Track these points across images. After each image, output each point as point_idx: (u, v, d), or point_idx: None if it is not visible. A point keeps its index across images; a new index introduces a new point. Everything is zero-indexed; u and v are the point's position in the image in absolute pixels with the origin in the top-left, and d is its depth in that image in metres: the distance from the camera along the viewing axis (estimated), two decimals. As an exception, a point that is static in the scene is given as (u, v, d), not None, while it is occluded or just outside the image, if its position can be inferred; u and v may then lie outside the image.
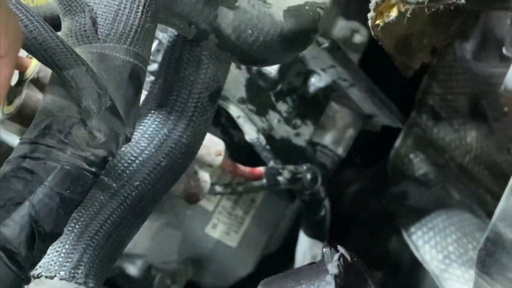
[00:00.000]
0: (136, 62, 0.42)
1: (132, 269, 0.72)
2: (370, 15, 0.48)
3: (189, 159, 0.52)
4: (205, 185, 0.62)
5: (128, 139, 0.42)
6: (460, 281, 0.74)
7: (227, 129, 0.71)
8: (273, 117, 0.73)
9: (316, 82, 0.73)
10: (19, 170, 0.39)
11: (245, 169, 0.67)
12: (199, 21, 0.46)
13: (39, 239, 0.38)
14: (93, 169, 0.40)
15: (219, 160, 0.63)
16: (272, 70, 0.71)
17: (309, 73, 0.73)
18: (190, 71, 0.50)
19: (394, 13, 0.46)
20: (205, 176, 0.63)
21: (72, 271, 0.47)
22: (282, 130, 0.74)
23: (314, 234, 0.77)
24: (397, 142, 0.83)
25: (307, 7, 0.49)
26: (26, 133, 0.41)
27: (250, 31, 0.47)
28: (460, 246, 0.76)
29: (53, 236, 0.39)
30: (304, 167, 0.71)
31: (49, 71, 0.40)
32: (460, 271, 0.74)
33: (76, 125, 0.39)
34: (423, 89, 0.81)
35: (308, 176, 0.70)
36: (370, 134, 0.82)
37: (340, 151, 0.77)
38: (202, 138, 0.52)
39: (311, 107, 0.75)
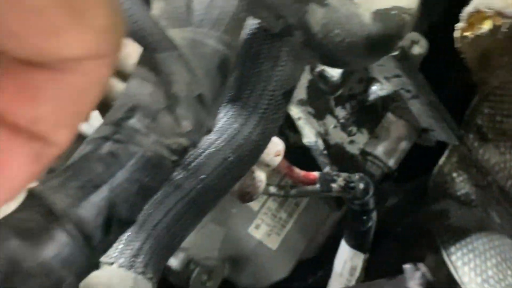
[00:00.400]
0: (226, 51, 0.40)
1: (173, 261, 0.71)
2: (459, 25, 0.46)
3: (256, 157, 0.51)
4: (261, 185, 0.61)
5: (209, 131, 0.41)
6: (498, 306, 0.72)
7: (284, 130, 0.70)
8: (330, 122, 0.71)
9: (378, 90, 0.71)
10: (100, 151, 0.38)
11: (300, 172, 0.65)
12: (288, 15, 0.44)
13: (115, 224, 0.37)
14: (174, 158, 0.39)
15: (277, 160, 0.62)
16: (335, 74, 0.69)
17: (371, 80, 0.71)
18: (267, 67, 0.49)
19: (487, 25, 0.44)
20: (261, 176, 0.62)
21: (132, 259, 0.46)
22: (337, 136, 0.72)
23: (357, 244, 0.76)
24: (442, 160, 0.82)
25: (394, 12, 0.47)
26: (108, 114, 0.40)
27: (337, 31, 0.45)
28: (500, 271, 0.74)
29: (128, 223, 0.38)
30: (357, 176, 0.69)
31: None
32: (498, 296, 0.73)
33: (163, 111, 0.38)
34: (473, 108, 0.79)
35: (361, 185, 0.69)
36: (421, 148, 0.80)
37: (391, 162, 0.76)
38: (271, 137, 0.51)
39: (368, 116, 0.74)
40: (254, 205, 0.74)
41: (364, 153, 0.74)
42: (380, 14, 0.47)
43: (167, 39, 0.37)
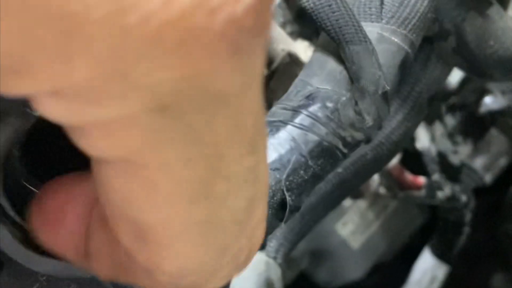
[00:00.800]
0: (409, 50, 0.40)
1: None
2: None
3: (392, 156, 0.50)
4: (373, 184, 0.61)
5: (380, 127, 0.40)
6: None
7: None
8: (438, 128, 0.71)
9: (490, 103, 0.70)
10: (278, 135, 0.37)
11: (408, 176, 0.65)
12: (445, 20, 0.44)
13: (286, 209, 0.37)
14: (345, 151, 0.39)
15: (394, 161, 0.61)
16: (452, 81, 0.68)
17: (485, 92, 0.70)
18: (416, 69, 0.48)
19: None
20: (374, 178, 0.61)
21: (266, 243, 0.46)
22: (442, 144, 0.71)
23: (443, 255, 0.75)
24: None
25: None
26: (285, 98, 0.39)
27: (491, 43, 0.45)
28: None
29: (295, 208, 0.38)
30: (460, 187, 0.69)
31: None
32: None
33: (345, 102, 0.37)
34: None
35: (463, 197, 0.68)
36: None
37: (487, 178, 0.75)
38: (409, 138, 0.50)
39: (475, 127, 0.73)
40: (346, 201, 0.74)
41: (462, 164, 0.73)
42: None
43: (362, 33, 0.36)
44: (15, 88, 0.14)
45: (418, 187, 0.64)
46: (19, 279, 0.24)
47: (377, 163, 0.49)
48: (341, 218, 0.75)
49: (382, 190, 0.63)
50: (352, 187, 0.49)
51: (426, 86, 0.48)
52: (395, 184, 0.63)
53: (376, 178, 0.60)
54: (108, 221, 0.18)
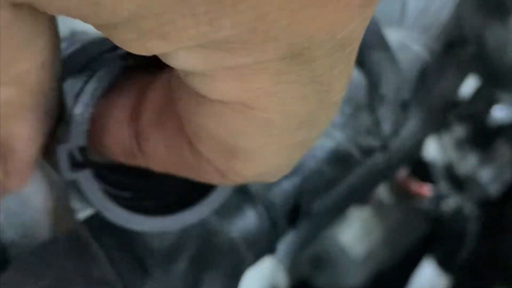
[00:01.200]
0: (428, 58, 0.39)
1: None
2: None
3: (402, 165, 0.50)
4: (377, 191, 0.60)
5: (396, 136, 0.40)
6: None
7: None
8: (445, 137, 0.70)
9: (499, 113, 0.70)
10: None
11: (414, 184, 0.64)
12: (466, 27, 0.43)
13: (298, 213, 0.36)
14: (361, 158, 0.38)
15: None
16: (463, 92, 0.68)
17: (495, 101, 0.70)
18: (431, 76, 0.47)
19: None
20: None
21: (275, 247, 0.45)
22: (450, 154, 0.71)
23: (445, 266, 0.74)
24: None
25: None
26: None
27: (510, 52, 0.44)
28: None
29: (307, 214, 0.37)
30: (466, 197, 0.68)
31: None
32: None
33: (365, 108, 0.37)
34: None
35: (468, 209, 0.67)
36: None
37: (492, 190, 0.74)
38: (423, 146, 0.50)
39: (483, 138, 0.72)
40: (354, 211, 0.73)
41: (468, 175, 0.73)
42: None
43: (383, 39, 0.36)
44: (155, 49, 0.15)
45: (423, 196, 0.64)
46: (26, 276, 0.24)
47: (388, 171, 0.49)
48: (343, 225, 0.74)
49: (386, 197, 0.62)
50: (361, 194, 0.49)
51: (441, 94, 0.48)
52: (400, 191, 0.63)
53: (381, 185, 0.59)
54: (163, 124, 0.20)
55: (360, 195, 0.49)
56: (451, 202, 0.64)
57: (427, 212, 0.69)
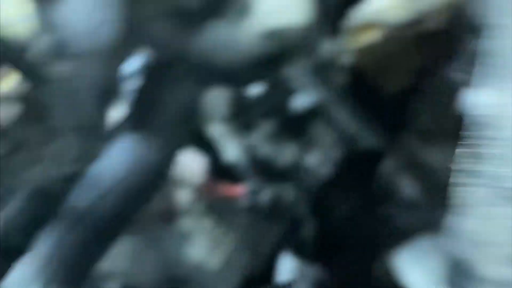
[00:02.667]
0: (106, 81, 0.41)
1: (110, 288, 0.70)
2: (348, 36, 0.47)
3: (163, 177, 0.52)
4: (183, 204, 0.61)
5: (96, 159, 0.41)
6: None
7: (209, 148, 0.71)
8: (257, 136, 0.72)
9: (301, 102, 0.72)
10: None
11: (225, 188, 0.66)
12: (170, 45, 0.46)
13: (9, 252, 0.37)
14: (61, 186, 0.39)
15: (198, 178, 0.62)
16: (256, 88, 0.70)
17: (294, 92, 0.72)
18: (167, 91, 0.50)
19: (372, 35, 0.45)
20: (183, 195, 0.62)
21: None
22: (266, 150, 0.73)
23: (299, 254, 0.76)
24: (385, 164, 0.83)
25: (285, 29, 0.49)
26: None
27: (220, 55, 0.47)
28: (446, 270, 0.75)
29: (21, 251, 0.38)
30: (286, 187, 0.70)
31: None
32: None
33: (45, 143, 0.38)
34: (411, 111, 0.81)
35: (290, 196, 0.69)
36: (358, 155, 0.81)
37: (324, 171, 0.76)
38: (175, 159, 0.52)
39: (296, 127, 0.74)
40: (189, 224, 0.74)
41: (295, 164, 0.75)
42: (270, 33, 0.48)
43: (41, 71, 0.37)
44: None
45: (239, 197, 0.65)
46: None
47: (148, 188, 0.50)
48: (189, 242, 0.75)
49: (197, 208, 0.64)
50: (128, 215, 0.50)
51: (179, 106, 0.50)
52: (210, 198, 0.64)
53: (185, 197, 0.61)
54: None
55: (123, 221, 0.50)
56: (267, 195, 0.66)
57: (249, 208, 0.70)
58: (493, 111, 0.19)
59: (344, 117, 0.73)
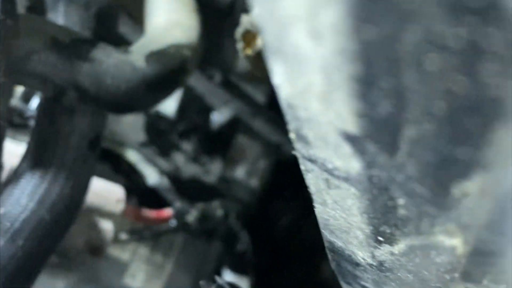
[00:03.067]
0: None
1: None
2: (239, 46, 0.48)
3: (74, 211, 0.51)
4: (108, 235, 0.61)
5: None
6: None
7: (130, 174, 0.70)
8: (179, 157, 0.72)
9: (218, 117, 0.73)
10: None
11: (150, 213, 0.65)
12: (55, 78, 0.45)
13: None
14: None
15: (119, 207, 0.61)
16: (170, 110, 0.70)
17: (209, 109, 0.73)
18: (64, 122, 0.49)
19: (260, 42, 0.46)
20: (106, 226, 0.61)
21: None
22: (190, 169, 0.73)
23: (237, 268, 0.76)
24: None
25: (171, 50, 0.49)
26: None
27: (109, 81, 0.47)
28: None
29: None
30: (214, 203, 0.70)
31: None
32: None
33: None
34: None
35: (219, 212, 0.69)
36: (288, 162, 0.82)
37: (254, 183, 0.77)
38: (86, 188, 0.51)
39: (218, 143, 0.75)
40: (124, 254, 0.73)
41: (224, 179, 0.75)
42: (155, 55, 0.48)
43: None
44: None
45: (167, 220, 0.65)
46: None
47: (61, 221, 0.49)
48: (126, 272, 0.74)
49: (124, 236, 0.63)
50: (43, 252, 0.49)
51: (81, 135, 0.49)
52: (136, 224, 0.64)
53: (109, 228, 0.60)
54: None
55: (38, 258, 0.49)
56: (194, 214, 0.66)
57: (179, 231, 0.70)
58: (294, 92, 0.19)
59: (265, 127, 0.74)
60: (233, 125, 0.75)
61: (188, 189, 0.71)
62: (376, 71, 0.20)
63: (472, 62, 0.18)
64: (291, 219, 0.90)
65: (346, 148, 0.24)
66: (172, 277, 0.77)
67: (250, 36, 0.49)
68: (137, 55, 0.46)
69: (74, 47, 0.44)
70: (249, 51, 0.50)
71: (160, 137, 0.70)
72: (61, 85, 0.44)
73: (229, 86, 0.68)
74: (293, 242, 0.88)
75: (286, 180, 0.82)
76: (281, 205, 0.89)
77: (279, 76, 0.22)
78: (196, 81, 0.69)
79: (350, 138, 0.23)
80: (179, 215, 0.66)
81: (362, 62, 0.19)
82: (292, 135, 0.26)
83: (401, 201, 0.25)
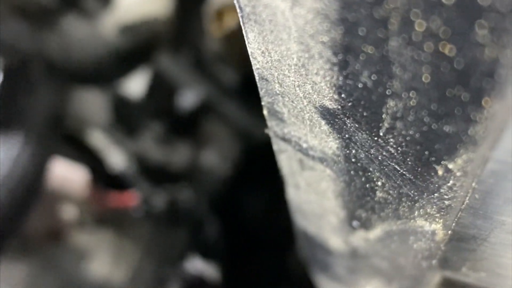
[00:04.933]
0: None
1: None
2: (212, 28, 0.46)
3: (35, 193, 0.48)
4: (71, 220, 0.58)
5: None
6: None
7: (95, 157, 0.67)
8: (146, 140, 0.70)
9: (187, 99, 0.71)
10: None
11: (116, 196, 0.63)
12: (21, 46, 0.43)
13: None
14: None
15: (83, 191, 0.59)
16: (137, 91, 0.68)
17: (177, 91, 0.71)
18: (24, 99, 0.46)
19: (231, 19, 0.44)
20: (69, 211, 0.59)
21: None
22: (157, 153, 0.71)
23: (205, 255, 0.74)
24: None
25: (143, 24, 0.47)
26: None
27: (77, 53, 0.44)
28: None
29: None
30: (181, 188, 0.68)
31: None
32: None
33: None
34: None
35: (185, 196, 0.67)
36: (257, 148, 0.80)
37: (224, 168, 0.75)
38: (47, 169, 0.48)
39: (186, 126, 0.73)
40: (88, 240, 0.71)
41: (192, 164, 0.73)
42: (127, 29, 0.46)
43: None
44: None
45: (132, 204, 0.63)
46: None
47: (22, 202, 0.47)
48: (91, 258, 0.72)
49: (87, 221, 0.60)
50: (7, 235, 0.47)
51: (41, 113, 0.47)
52: (99, 209, 0.61)
53: (73, 212, 0.57)
54: None
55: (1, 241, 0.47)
56: (161, 198, 0.64)
57: (145, 217, 0.68)
58: (268, 62, 0.18)
59: (235, 112, 0.72)
60: (203, 109, 0.73)
61: (155, 173, 0.68)
62: (358, 37, 0.18)
63: (466, 21, 0.16)
64: (263, 205, 0.89)
65: (323, 125, 0.22)
66: (137, 263, 0.75)
67: (221, 15, 0.47)
68: (108, 27, 0.44)
69: (41, 16, 0.42)
70: (219, 33, 0.48)
71: (127, 119, 0.67)
72: (28, 54, 0.41)
73: (200, 68, 0.65)
74: (264, 229, 0.86)
75: (257, 166, 0.81)
76: (252, 191, 0.87)
77: (253, 44, 0.20)
78: (166, 61, 0.67)
79: (328, 114, 0.21)
80: (146, 200, 0.64)
81: (342, 26, 0.18)
82: (265, 112, 0.24)
83: (379, 182, 0.24)
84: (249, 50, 0.20)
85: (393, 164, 0.22)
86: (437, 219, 0.24)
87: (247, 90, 0.72)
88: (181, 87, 0.70)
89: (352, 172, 0.24)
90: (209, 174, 0.74)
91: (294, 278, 0.80)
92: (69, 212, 0.58)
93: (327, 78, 0.20)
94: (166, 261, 0.77)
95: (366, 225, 0.28)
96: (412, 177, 0.22)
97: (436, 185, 0.22)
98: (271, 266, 0.81)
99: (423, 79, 0.18)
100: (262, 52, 0.21)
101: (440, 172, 0.21)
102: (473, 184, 0.22)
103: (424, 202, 0.23)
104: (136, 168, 0.64)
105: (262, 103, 0.23)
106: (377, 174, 0.23)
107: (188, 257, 0.76)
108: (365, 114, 0.20)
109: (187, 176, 0.73)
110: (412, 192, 0.23)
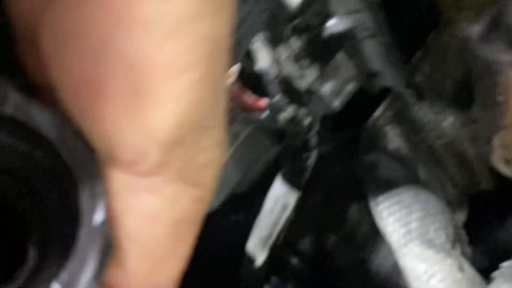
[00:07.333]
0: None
1: None
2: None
3: None
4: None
5: None
6: (418, 258, 0.74)
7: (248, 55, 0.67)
8: (284, 51, 0.69)
9: (334, 25, 0.70)
10: None
11: (250, 97, 0.63)
12: None
13: None
14: None
15: (227, 81, 0.59)
16: (293, 2, 0.66)
17: (329, 14, 0.69)
18: None
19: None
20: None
21: None
22: (288, 67, 0.70)
23: (293, 181, 0.75)
24: (378, 111, 0.82)
25: None
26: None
27: None
28: (423, 225, 0.76)
29: None
30: (304, 110, 0.68)
31: None
32: (420, 249, 0.75)
33: None
34: (413, 64, 0.80)
35: (307, 121, 0.67)
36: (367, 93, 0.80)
37: (336, 104, 0.75)
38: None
39: (322, 51, 0.72)
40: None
41: (310, 89, 0.73)
42: None
43: None
44: None
45: (259, 109, 0.63)
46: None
47: None
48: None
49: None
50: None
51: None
52: (235, 105, 0.61)
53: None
54: None
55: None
56: (288, 114, 0.64)
57: (265, 125, 0.68)
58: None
59: (372, 50, 0.71)
60: (343, 39, 0.72)
61: (283, 86, 0.68)
62: None
63: None
64: (327, 151, 0.89)
65: None
66: (224, 168, 0.76)
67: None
68: None
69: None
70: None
71: (275, 25, 0.66)
72: None
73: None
74: (322, 173, 0.86)
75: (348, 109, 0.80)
76: (321, 134, 0.87)
77: None
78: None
79: None
80: (274, 110, 0.63)
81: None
82: None
83: None
84: None
85: None
86: None
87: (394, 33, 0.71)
88: (334, 10, 0.69)
89: None
90: (320, 105, 0.73)
91: (349, 226, 0.81)
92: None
93: None
94: (249, 172, 0.78)
95: None
96: None
97: None
98: (325, 209, 0.81)
99: None
100: None
101: None
102: None
103: None
104: (275, 75, 0.64)
105: None
106: None
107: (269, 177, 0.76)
108: None
109: (306, 99, 0.72)
110: None
